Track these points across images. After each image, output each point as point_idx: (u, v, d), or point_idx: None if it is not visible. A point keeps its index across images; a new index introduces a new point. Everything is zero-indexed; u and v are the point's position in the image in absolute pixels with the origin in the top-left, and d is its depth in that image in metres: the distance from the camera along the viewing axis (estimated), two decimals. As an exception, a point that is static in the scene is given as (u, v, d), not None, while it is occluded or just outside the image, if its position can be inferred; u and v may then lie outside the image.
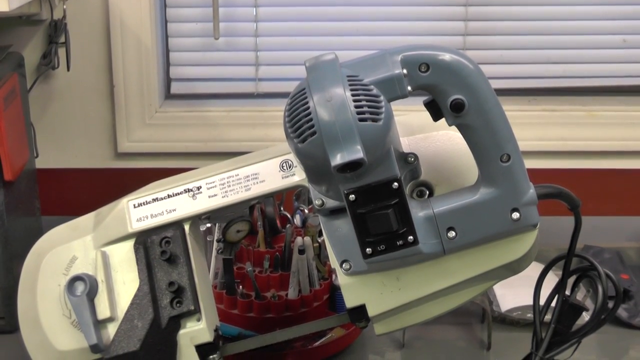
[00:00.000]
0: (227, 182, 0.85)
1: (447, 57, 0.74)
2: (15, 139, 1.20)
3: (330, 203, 0.78)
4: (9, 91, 1.18)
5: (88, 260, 0.85)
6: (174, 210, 0.86)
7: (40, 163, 1.40)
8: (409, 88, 0.74)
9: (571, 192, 0.83)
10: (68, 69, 1.46)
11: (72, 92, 1.50)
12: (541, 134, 1.49)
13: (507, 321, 1.21)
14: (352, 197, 0.74)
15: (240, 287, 1.10)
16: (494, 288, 1.24)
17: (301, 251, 1.09)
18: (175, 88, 1.56)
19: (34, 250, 0.89)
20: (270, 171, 0.84)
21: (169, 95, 1.57)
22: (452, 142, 0.82)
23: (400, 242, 0.76)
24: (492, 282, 0.84)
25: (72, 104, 1.51)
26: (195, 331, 0.83)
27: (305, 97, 0.72)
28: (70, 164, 1.52)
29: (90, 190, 1.49)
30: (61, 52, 1.44)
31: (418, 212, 0.77)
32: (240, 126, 1.52)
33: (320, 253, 1.13)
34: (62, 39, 1.45)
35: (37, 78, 1.45)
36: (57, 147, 1.52)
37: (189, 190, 0.85)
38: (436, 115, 0.77)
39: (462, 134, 0.77)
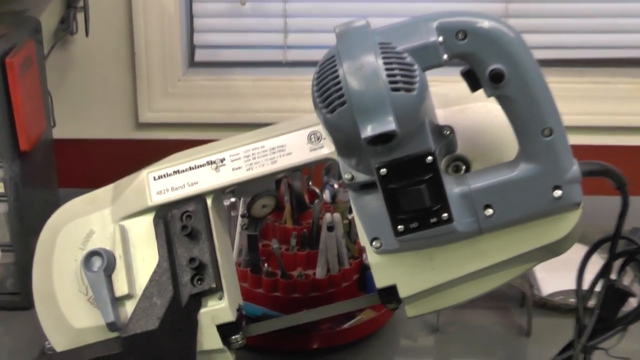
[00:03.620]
0: (252, 154, 0.85)
1: (486, 24, 0.73)
2: (31, 108, 1.20)
3: (361, 177, 0.78)
4: (24, 58, 1.19)
5: (106, 234, 0.86)
6: (196, 183, 0.86)
7: (58, 133, 1.40)
8: (445, 57, 0.73)
9: (618, 169, 0.83)
10: (87, 35, 1.47)
11: (91, 59, 1.51)
12: (588, 107, 1.48)
13: (548, 306, 1.20)
14: (383, 171, 0.74)
15: (266, 265, 1.11)
16: (534, 270, 1.23)
17: (330, 228, 1.09)
18: (200, 55, 1.58)
19: (49, 224, 0.89)
20: (298, 143, 0.84)
21: (192, 63, 1.57)
22: (490, 114, 0.81)
23: (434, 220, 0.76)
24: (531, 264, 0.83)
25: (91, 71, 1.52)
26: (217, 310, 0.84)
27: (335, 65, 0.71)
28: (89, 134, 1.53)
29: (109, 162, 1.49)
30: (80, 17, 1.46)
31: (453, 188, 0.76)
32: (267, 96, 1.52)
33: (350, 230, 1.13)
34: (81, 3, 1.45)
35: (55, 44, 1.47)
36: (75, 116, 1.52)
37: (212, 163, 0.85)
38: (474, 86, 0.76)
39: (501, 106, 0.76)
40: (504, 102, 0.76)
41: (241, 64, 1.55)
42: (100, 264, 0.84)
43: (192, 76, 1.53)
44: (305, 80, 1.51)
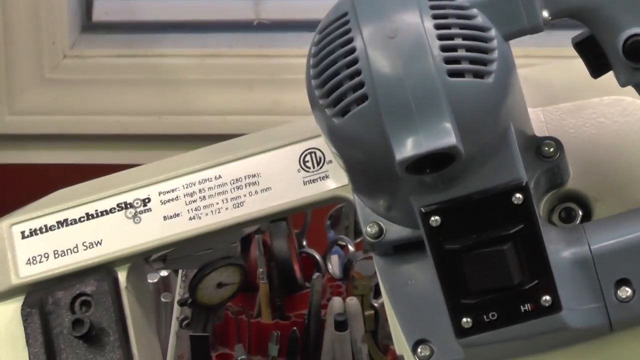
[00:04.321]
0: (200, 191, 0.73)
1: None
2: None
3: (395, 232, 0.67)
4: None
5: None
6: (99, 243, 0.73)
7: None
8: (546, 14, 0.64)
9: None
10: None
11: None
12: None
13: None
14: (435, 220, 0.63)
15: None
16: None
17: (341, 325, 1.00)
18: (101, 11, 1.37)
19: None
20: (282, 171, 0.72)
21: (88, 26, 1.39)
22: (627, 117, 0.69)
23: (526, 307, 0.63)
24: None
25: None
26: None
27: (348, 31, 0.61)
28: None
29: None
30: None
31: (561, 250, 0.64)
32: (224, 84, 1.35)
33: (377, 328, 1.03)
34: None
35: None
36: None
37: (126, 206, 0.74)
38: (598, 66, 0.64)
39: None
40: None
41: (177, 27, 1.38)
42: None
43: (86, 48, 1.36)
44: (292, 54, 1.34)
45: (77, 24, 1.39)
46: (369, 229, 0.67)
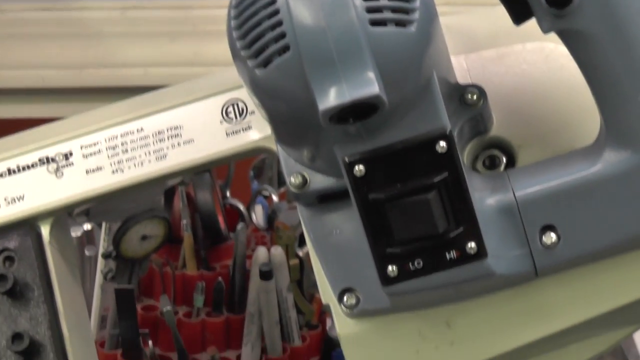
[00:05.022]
0: (122, 144, 0.73)
1: None
2: None
3: (320, 182, 0.66)
4: None
5: None
6: (21, 198, 0.73)
7: None
8: None
9: None
10: None
11: None
12: None
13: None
14: (359, 169, 0.62)
15: (150, 343, 1.01)
16: (636, 342, 1.14)
17: (265, 274, 0.98)
18: None
19: None
20: (204, 122, 0.71)
21: None
22: (550, 64, 0.68)
23: (452, 255, 0.62)
24: (628, 329, 0.69)
25: None
26: None
27: None
28: None
29: None
30: None
31: (486, 197, 0.64)
32: (146, 36, 1.37)
33: (302, 278, 1.03)
34: None
35: None
36: None
37: (48, 160, 0.73)
38: (520, 12, 0.63)
39: (569, 49, 0.64)
40: (574, 41, 0.63)
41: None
42: None
43: (6, 2, 1.37)
44: (214, 4, 1.32)
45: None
46: (292, 179, 0.66)
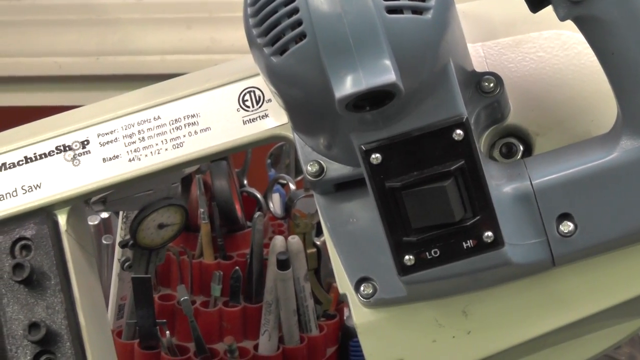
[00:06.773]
0: (139, 132, 0.73)
1: None
2: None
3: (336, 170, 0.67)
4: None
5: None
6: (38, 187, 0.74)
7: None
8: None
9: None
10: None
11: None
12: None
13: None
14: (376, 158, 0.63)
15: (167, 333, 1.01)
16: None
17: (283, 263, 0.99)
18: None
19: None
20: (221, 110, 0.72)
21: None
22: (566, 52, 0.69)
23: (468, 244, 0.63)
24: None
25: None
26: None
27: None
28: None
29: None
30: None
31: (503, 185, 0.65)
32: (162, 23, 1.36)
33: (320, 266, 1.04)
34: None
35: None
36: None
37: (65, 148, 0.74)
38: (537, 0, 0.64)
39: (585, 37, 0.64)
40: (590, 28, 0.64)
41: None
42: None
43: None
44: None
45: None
46: (309, 168, 0.67)
